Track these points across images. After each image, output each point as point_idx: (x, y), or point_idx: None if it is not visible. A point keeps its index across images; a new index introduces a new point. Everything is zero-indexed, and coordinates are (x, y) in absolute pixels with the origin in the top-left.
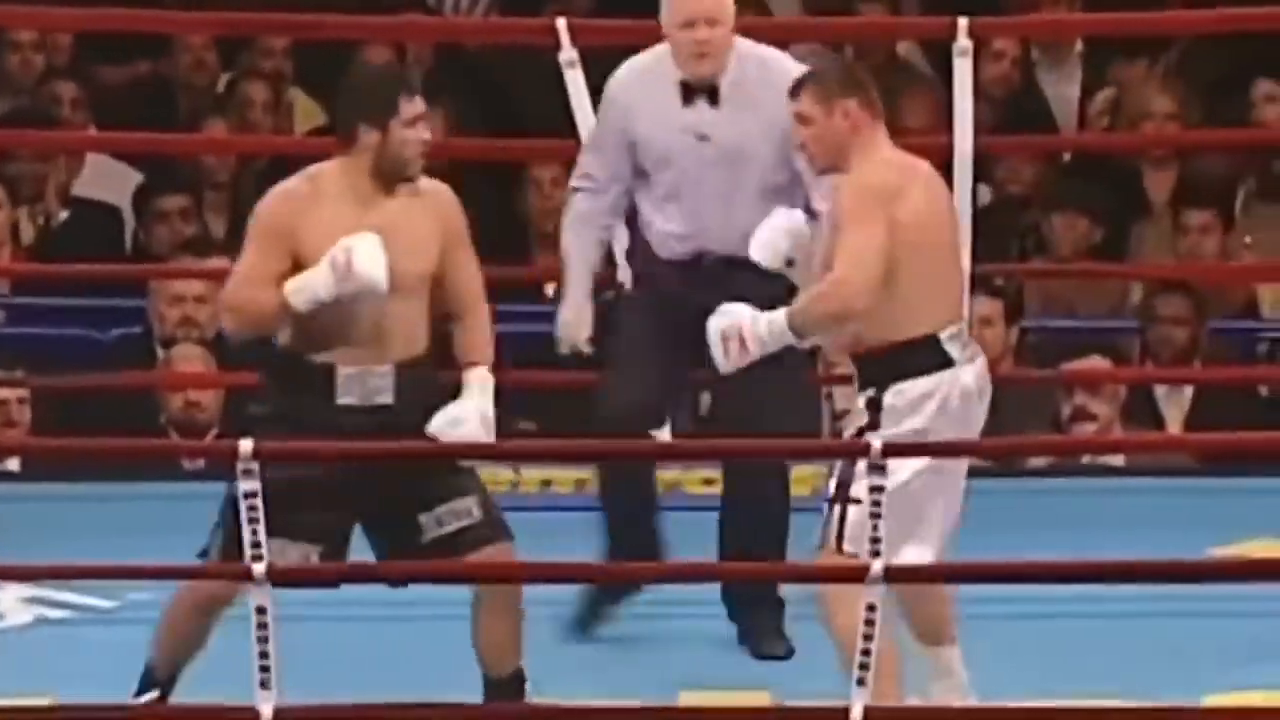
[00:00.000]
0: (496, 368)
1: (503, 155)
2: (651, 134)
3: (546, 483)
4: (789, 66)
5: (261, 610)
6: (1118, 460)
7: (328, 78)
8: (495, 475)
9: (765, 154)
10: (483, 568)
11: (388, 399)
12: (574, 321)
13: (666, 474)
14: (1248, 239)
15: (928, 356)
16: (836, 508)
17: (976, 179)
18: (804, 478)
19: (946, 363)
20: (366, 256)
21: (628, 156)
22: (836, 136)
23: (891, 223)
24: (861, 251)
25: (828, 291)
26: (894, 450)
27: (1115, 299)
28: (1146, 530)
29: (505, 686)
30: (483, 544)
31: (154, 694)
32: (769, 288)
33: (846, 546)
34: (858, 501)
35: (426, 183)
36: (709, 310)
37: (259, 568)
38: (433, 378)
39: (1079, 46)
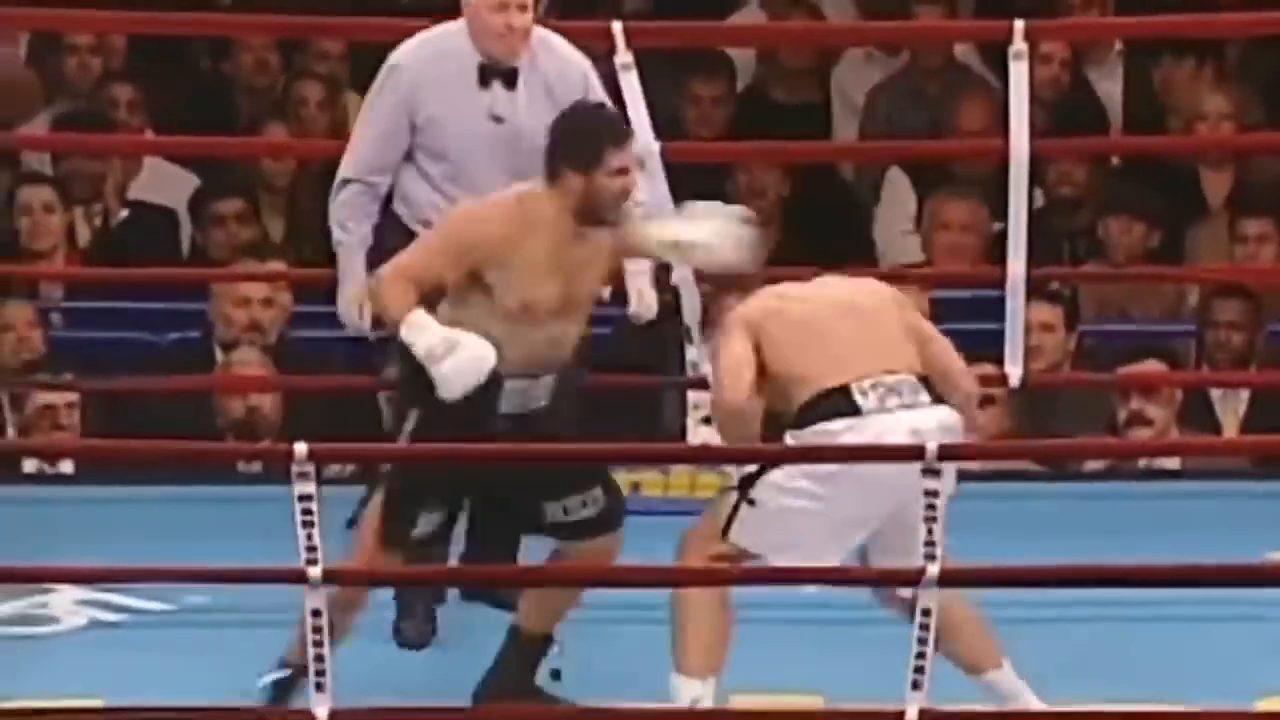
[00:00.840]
0: None
1: None
2: (443, 115)
3: None
4: (572, 50)
5: (316, 613)
6: (1174, 464)
7: None
8: None
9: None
10: (509, 573)
11: (542, 404)
12: (354, 304)
13: (706, 477)
14: None
15: (832, 406)
16: (733, 497)
17: (1030, 182)
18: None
19: (852, 411)
20: (460, 371)
21: (407, 138)
22: None
23: (761, 333)
24: (730, 370)
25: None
26: (949, 454)
27: (1171, 302)
28: (1202, 534)
29: (532, 646)
30: (597, 533)
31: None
32: None
33: (730, 536)
34: (752, 503)
35: None
36: None
37: (314, 570)
38: (576, 374)
39: (1118, 45)
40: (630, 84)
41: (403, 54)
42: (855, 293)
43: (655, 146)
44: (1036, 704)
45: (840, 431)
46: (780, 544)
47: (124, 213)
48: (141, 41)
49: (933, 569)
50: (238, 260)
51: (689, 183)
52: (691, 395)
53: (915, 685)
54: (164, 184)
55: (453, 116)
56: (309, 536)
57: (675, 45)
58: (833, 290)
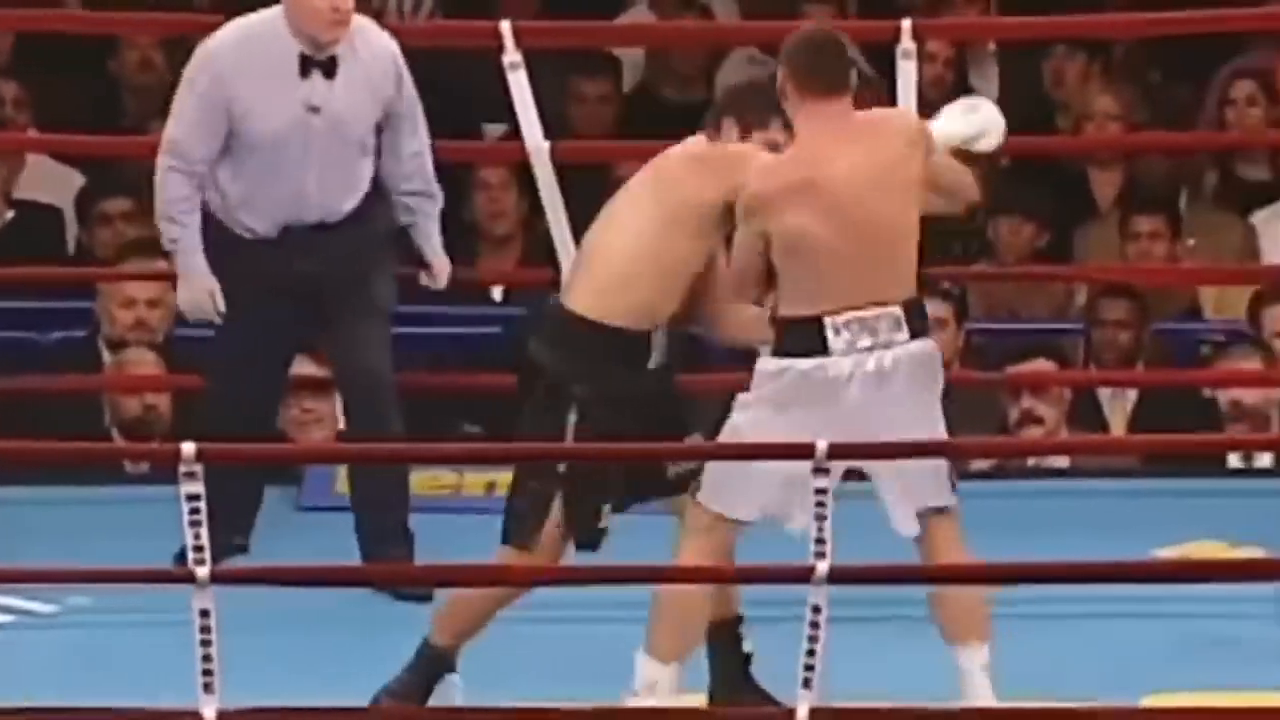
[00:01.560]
0: (442, 371)
1: (451, 157)
2: (258, 106)
3: (490, 485)
4: (381, 34)
5: (204, 613)
6: (1063, 463)
7: None
8: (438, 479)
9: (367, 124)
10: (431, 572)
11: (663, 359)
12: (205, 295)
13: None
14: (1190, 241)
15: (802, 339)
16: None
17: None
18: None
19: (822, 349)
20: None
21: (224, 128)
22: None
23: (765, 229)
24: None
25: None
26: (840, 452)
27: (1060, 301)
28: (1091, 532)
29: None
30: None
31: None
32: (360, 242)
33: (700, 497)
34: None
35: None
36: (308, 277)
37: (202, 570)
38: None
39: (992, 45)
40: (519, 83)
41: (218, 42)
42: (867, 186)
43: (545, 146)
44: (983, 698)
45: (808, 370)
46: (744, 486)
47: (10, 214)
48: (27, 39)
49: (822, 566)
50: (124, 259)
51: (579, 182)
52: None
53: (806, 684)
54: (49, 182)
55: (268, 107)
56: (196, 536)
57: (564, 45)
58: (847, 188)
